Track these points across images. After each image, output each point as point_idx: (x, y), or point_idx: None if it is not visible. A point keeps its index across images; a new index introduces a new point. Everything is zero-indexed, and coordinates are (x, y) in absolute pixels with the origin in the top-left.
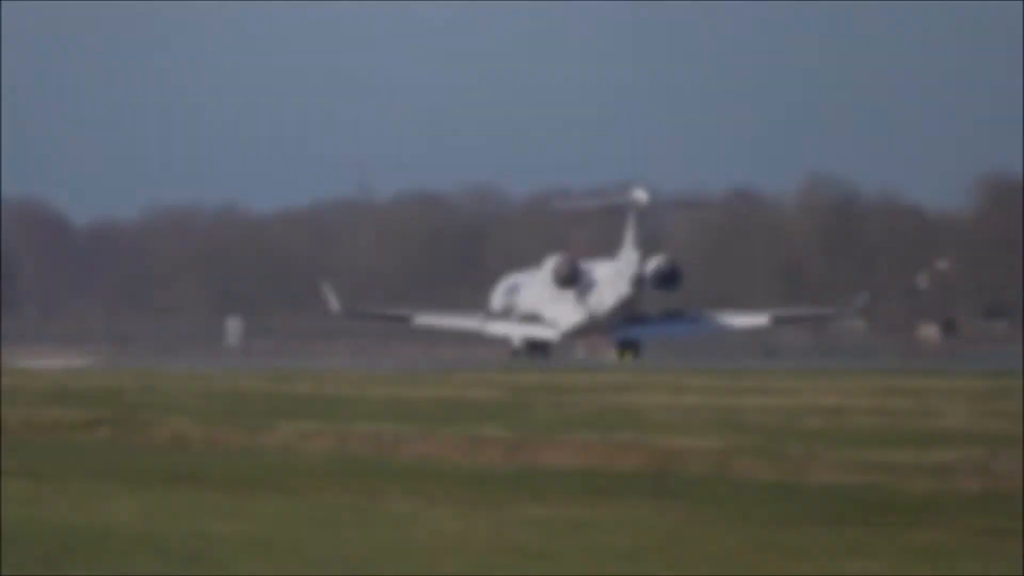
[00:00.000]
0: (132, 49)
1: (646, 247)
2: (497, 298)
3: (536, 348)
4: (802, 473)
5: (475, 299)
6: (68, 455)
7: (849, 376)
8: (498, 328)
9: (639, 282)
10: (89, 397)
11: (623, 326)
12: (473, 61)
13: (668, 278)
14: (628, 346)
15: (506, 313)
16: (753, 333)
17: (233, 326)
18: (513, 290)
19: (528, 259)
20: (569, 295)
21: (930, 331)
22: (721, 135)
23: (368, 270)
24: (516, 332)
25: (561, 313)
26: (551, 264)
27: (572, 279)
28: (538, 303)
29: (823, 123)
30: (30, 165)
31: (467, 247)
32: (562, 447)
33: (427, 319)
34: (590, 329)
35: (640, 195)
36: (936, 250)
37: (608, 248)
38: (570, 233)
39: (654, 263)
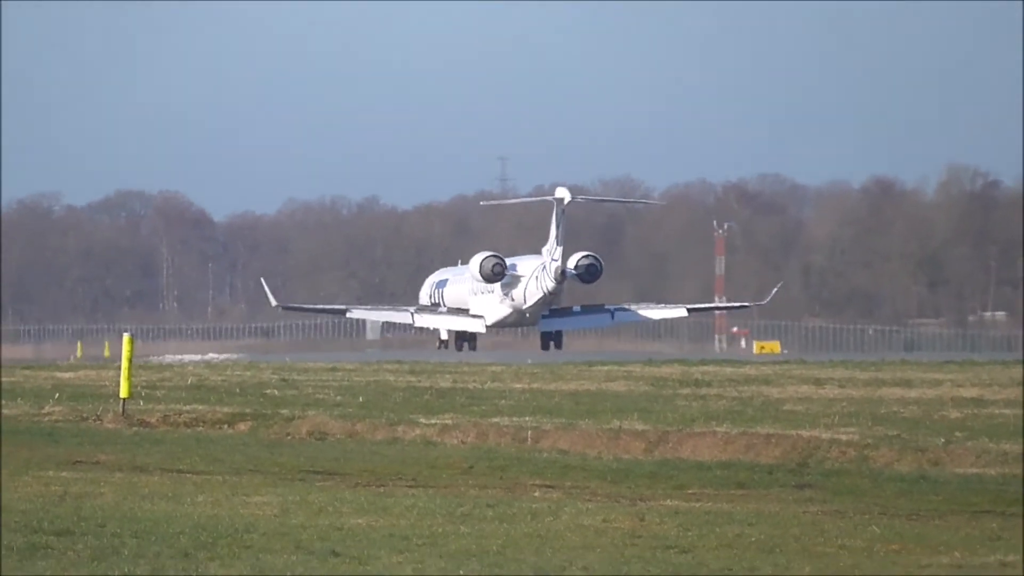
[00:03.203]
0: (269, 50)
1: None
2: (424, 292)
3: (463, 339)
4: (942, 464)
5: (612, 290)
6: (209, 450)
7: (990, 368)
8: (428, 320)
9: (562, 276)
10: (229, 392)
11: (545, 318)
12: (602, 59)
13: (590, 272)
14: (551, 337)
15: (433, 306)
16: (889, 329)
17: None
18: (440, 284)
19: (664, 251)
20: (495, 289)
21: None
22: (861, 127)
23: None
24: (446, 324)
25: (487, 306)
26: (478, 260)
27: (498, 274)
28: (464, 297)
29: (962, 114)
30: (172, 161)
31: (606, 240)
32: (702, 440)
33: (361, 312)
34: (514, 321)
35: (562, 192)
36: None
37: None
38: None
39: (576, 258)
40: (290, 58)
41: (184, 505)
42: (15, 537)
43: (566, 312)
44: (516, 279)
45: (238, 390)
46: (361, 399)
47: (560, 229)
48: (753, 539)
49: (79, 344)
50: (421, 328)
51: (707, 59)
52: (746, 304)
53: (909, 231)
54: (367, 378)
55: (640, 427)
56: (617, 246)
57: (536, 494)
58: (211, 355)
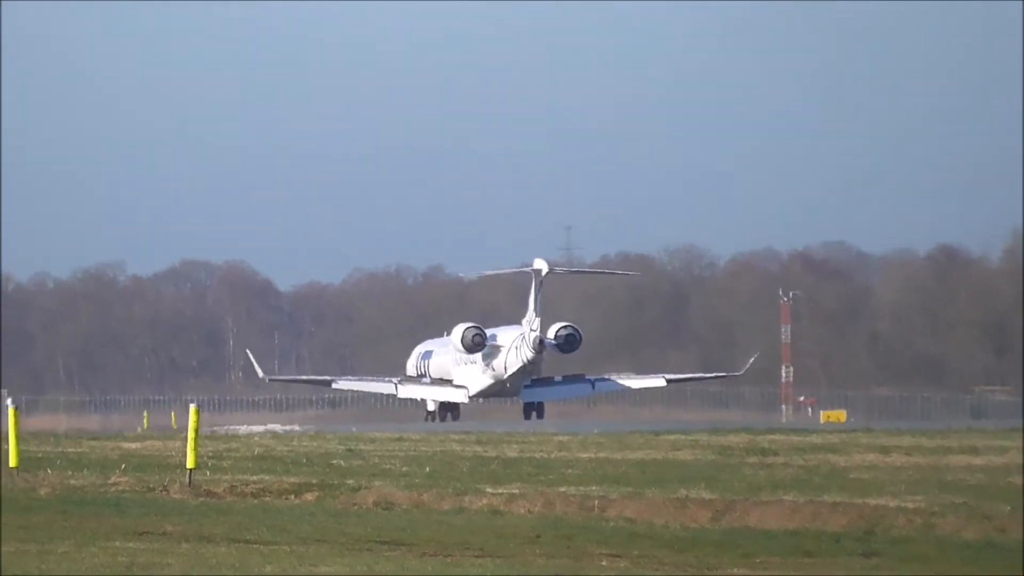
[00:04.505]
0: (333, 122)
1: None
2: (411, 363)
3: (447, 409)
4: (1008, 532)
5: (680, 359)
6: (275, 520)
7: None
8: (412, 391)
9: (541, 346)
10: (296, 461)
11: (527, 388)
12: (669, 126)
13: (569, 342)
14: (533, 407)
15: (419, 377)
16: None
17: None
18: (425, 356)
19: (729, 319)
20: (476, 359)
21: None
22: (926, 193)
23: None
24: (429, 395)
25: (469, 376)
26: (459, 331)
27: (478, 345)
28: (448, 367)
29: None
30: (237, 231)
31: (671, 308)
32: (769, 508)
33: (346, 383)
34: (497, 391)
35: (540, 264)
36: None
37: None
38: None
39: (555, 328)
40: (355, 129)
41: (251, 575)
42: None
43: (548, 382)
44: (496, 349)
45: (304, 460)
46: (428, 469)
47: (539, 299)
48: None
49: (145, 414)
50: (404, 399)
51: (772, 127)
52: (722, 374)
53: (975, 298)
54: (433, 448)
55: (707, 495)
56: (682, 314)
57: (603, 563)
58: (277, 425)
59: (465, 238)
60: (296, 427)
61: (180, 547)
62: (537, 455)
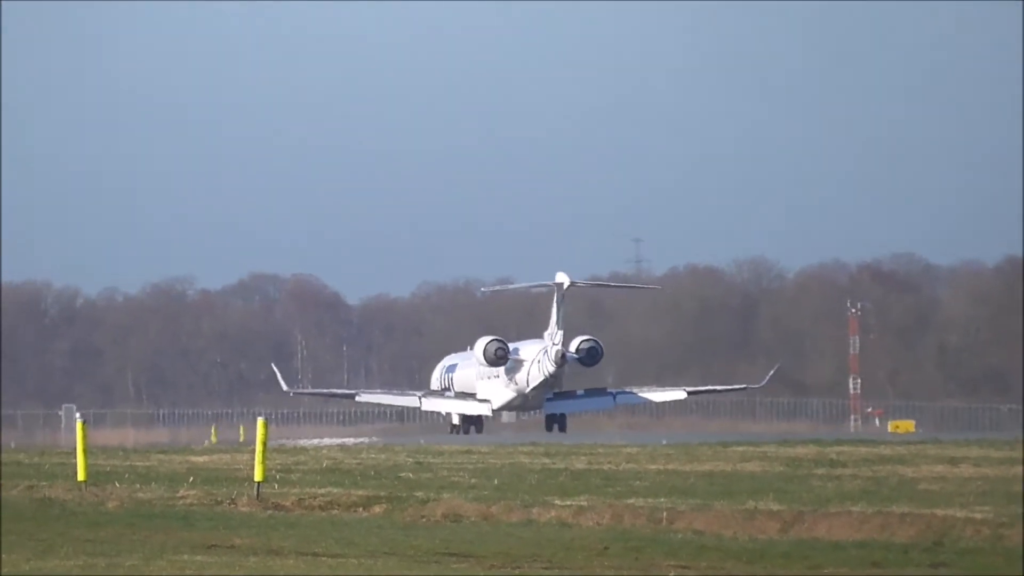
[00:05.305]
0: (402, 131)
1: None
2: (435, 377)
3: (470, 422)
4: None
5: (748, 372)
6: (343, 533)
7: None
8: (435, 404)
9: (563, 360)
10: (364, 474)
11: (550, 401)
12: (739, 138)
13: (591, 355)
14: (555, 419)
15: (443, 391)
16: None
17: None
18: (450, 369)
19: (798, 331)
20: (499, 373)
21: None
22: (993, 205)
23: (642, 344)
24: (452, 408)
25: (492, 390)
26: (482, 345)
27: (501, 358)
28: (472, 381)
29: None
30: (305, 244)
31: (740, 320)
32: (837, 519)
33: (369, 396)
34: (519, 405)
35: (562, 277)
36: None
37: None
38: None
39: (577, 342)
40: (423, 137)
41: None
42: None
43: (570, 395)
44: (519, 363)
45: (372, 473)
46: (496, 481)
47: (560, 312)
48: None
49: (213, 428)
50: (428, 412)
51: (841, 140)
52: (743, 387)
53: None
54: (502, 460)
55: (775, 507)
56: (752, 325)
57: (672, 575)
58: (346, 438)
59: (533, 251)
60: (366, 440)
61: (248, 560)
62: (605, 467)
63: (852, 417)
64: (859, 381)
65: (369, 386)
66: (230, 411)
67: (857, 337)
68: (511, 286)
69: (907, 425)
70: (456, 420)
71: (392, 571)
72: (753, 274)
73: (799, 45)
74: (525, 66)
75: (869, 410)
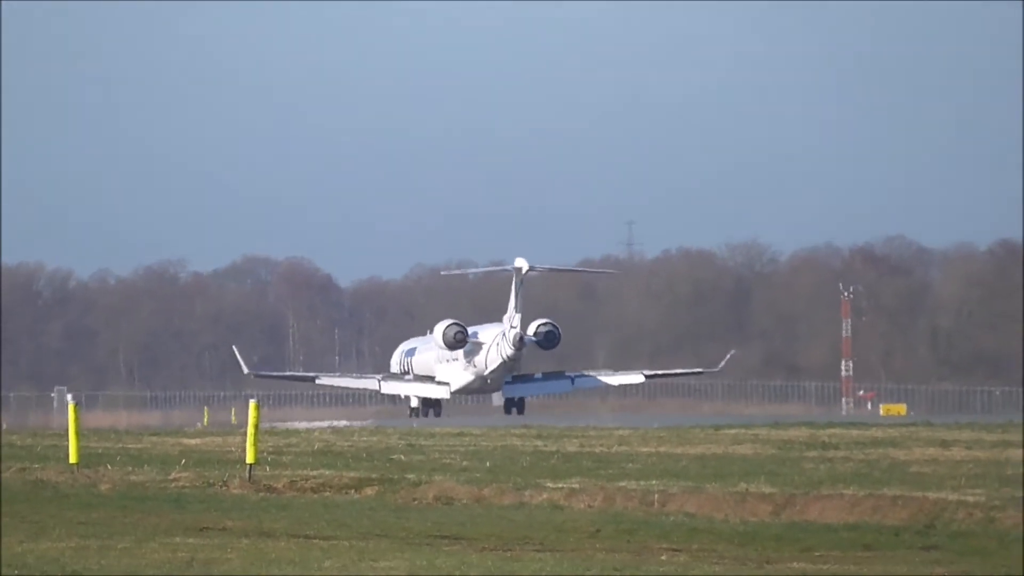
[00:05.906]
0: (394, 119)
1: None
2: (395, 360)
3: (430, 405)
4: None
5: (742, 354)
6: (335, 515)
7: None
8: (394, 388)
9: (521, 343)
10: (356, 457)
11: (508, 384)
12: (730, 121)
13: (549, 339)
14: (513, 403)
15: (402, 374)
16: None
17: None
18: (409, 353)
19: (791, 314)
20: (458, 356)
21: None
22: (987, 189)
23: (635, 327)
24: (411, 391)
25: (451, 373)
26: (441, 328)
27: (460, 342)
28: (431, 364)
29: None
30: (298, 227)
31: (733, 303)
32: (829, 502)
33: (329, 379)
34: (478, 388)
35: (520, 262)
36: None
37: None
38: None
39: (535, 326)
40: (415, 125)
41: (311, 570)
42: None
43: (528, 378)
44: (478, 346)
45: (365, 455)
46: (488, 464)
47: (519, 297)
48: None
49: (206, 410)
50: (387, 395)
51: (833, 123)
52: (699, 370)
53: None
54: (494, 443)
55: (767, 490)
56: (745, 308)
57: (663, 557)
58: (338, 420)
59: (527, 233)
60: (358, 422)
61: (240, 542)
62: (597, 450)
63: (844, 400)
64: (851, 364)
65: (361, 369)
66: (222, 393)
67: (850, 320)
68: (471, 270)
69: (899, 408)
70: (415, 403)
71: (384, 553)
72: (746, 257)
73: (795, 37)
74: (515, 60)
75: (861, 393)
